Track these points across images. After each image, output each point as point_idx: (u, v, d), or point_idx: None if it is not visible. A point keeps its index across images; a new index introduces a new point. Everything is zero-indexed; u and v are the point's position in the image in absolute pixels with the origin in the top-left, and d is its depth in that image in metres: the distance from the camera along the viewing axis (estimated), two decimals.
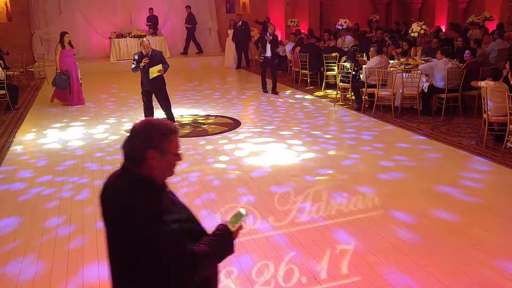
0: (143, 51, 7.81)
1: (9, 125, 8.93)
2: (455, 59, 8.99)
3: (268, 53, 11.03)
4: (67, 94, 10.38)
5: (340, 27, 14.16)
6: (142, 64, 7.72)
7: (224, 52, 16.41)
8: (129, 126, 8.66)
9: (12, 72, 12.25)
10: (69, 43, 10.35)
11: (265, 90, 11.42)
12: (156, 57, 7.91)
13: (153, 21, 16.33)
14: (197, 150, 7.17)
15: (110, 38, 16.01)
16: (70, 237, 4.54)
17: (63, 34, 10.28)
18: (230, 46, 15.80)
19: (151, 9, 16.28)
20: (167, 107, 8.20)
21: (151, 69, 7.76)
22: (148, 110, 8.23)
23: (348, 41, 13.61)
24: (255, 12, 18.30)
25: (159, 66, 7.81)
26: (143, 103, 8.24)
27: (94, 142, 7.71)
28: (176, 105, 10.47)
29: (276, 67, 11.94)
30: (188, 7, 16.55)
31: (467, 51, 8.98)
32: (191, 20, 16.59)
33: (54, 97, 10.65)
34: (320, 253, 4.10)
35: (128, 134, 1.96)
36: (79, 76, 10.56)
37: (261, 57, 11.45)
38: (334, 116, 9.26)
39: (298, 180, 5.85)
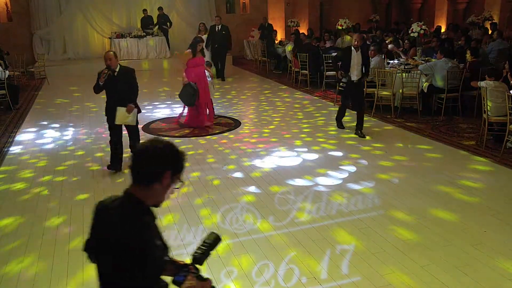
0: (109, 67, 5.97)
1: (9, 125, 8.93)
2: (455, 59, 8.99)
3: (355, 76, 7.62)
4: (195, 116, 8.44)
5: (340, 27, 14.17)
6: (101, 79, 5.90)
7: None
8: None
9: (12, 72, 12.25)
10: (201, 51, 8.57)
11: (340, 125, 8.15)
12: (123, 77, 5.99)
13: (149, 22, 16.30)
14: (197, 150, 7.18)
15: (110, 38, 16.02)
16: (70, 237, 4.54)
17: (197, 41, 8.43)
18: (206, 55, 12.49)
19: (145, 10, 16.26)
20: (137, 139, 6.34)
21: (119, 109, 5.99)
22: (119, 148, 6.29)
23: (347, 41, 13.62)
24: (255, 12, 18.32)
25: (131, 114, 6.07)
26: (111, 138, 6.25)
27: (94, 142, 7.71)
28: (176, 105, 10.50)
29: (364, 95, 8.30)
30: (160, 8, 16.23)
31: (468, 51, 8.98)
32: (166, 21, 16.33)
33: (178, 118, 8.79)
34: (320, 253, 4.10)
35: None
36: (213, 88, 8.92)
37: (341, 83, 7.80)
38: (334, 116, 9.24)
39: (298, 180, 5.85)
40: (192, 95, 8.11)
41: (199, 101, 8.25)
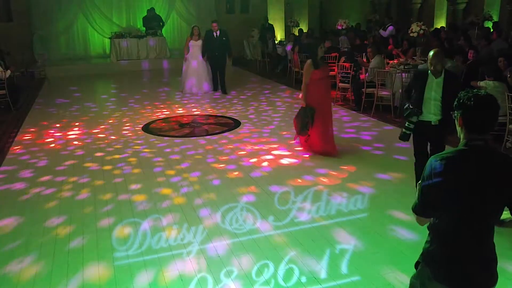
0: None
1: (9, 125, 8.93)
2: (454, 60, 8.99)
3: (431, 114, 4.87)
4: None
5: (340, 27, 14.19)
6: None
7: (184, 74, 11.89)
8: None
9: (12, 72, 12.24)
10: (322, 58, 6.68)
11: None
12: None
13: (152, 22, 16.32)
14: (197, 150, 7.18)
15: (110, 38, 16.04)
16: (70, 237, 4.54)
17: (317, 46, 6.55)
18: (200, 64, 11.70)
19: (149, 10, 16.28)
20: None
21: None
22: None
23: (344, 41, 13.66)
24: (255, 12, 18.32)
25: None
26: None
27: (94, 142, 7.71)
28: (176, 105, 10.51)
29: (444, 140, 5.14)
30: (152, 9, 16.29)
31: (470, 51, 8.98)
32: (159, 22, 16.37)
33: (305, 143, 6.90)
34: (320, 253, 4.10)
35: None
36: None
37: (408, 123, 4.93)
38: (334, 116, 9.22)
39: (298, 180, 5.85)
40: (306, 122, 6.45)
41: (319, 124, 6.53)
